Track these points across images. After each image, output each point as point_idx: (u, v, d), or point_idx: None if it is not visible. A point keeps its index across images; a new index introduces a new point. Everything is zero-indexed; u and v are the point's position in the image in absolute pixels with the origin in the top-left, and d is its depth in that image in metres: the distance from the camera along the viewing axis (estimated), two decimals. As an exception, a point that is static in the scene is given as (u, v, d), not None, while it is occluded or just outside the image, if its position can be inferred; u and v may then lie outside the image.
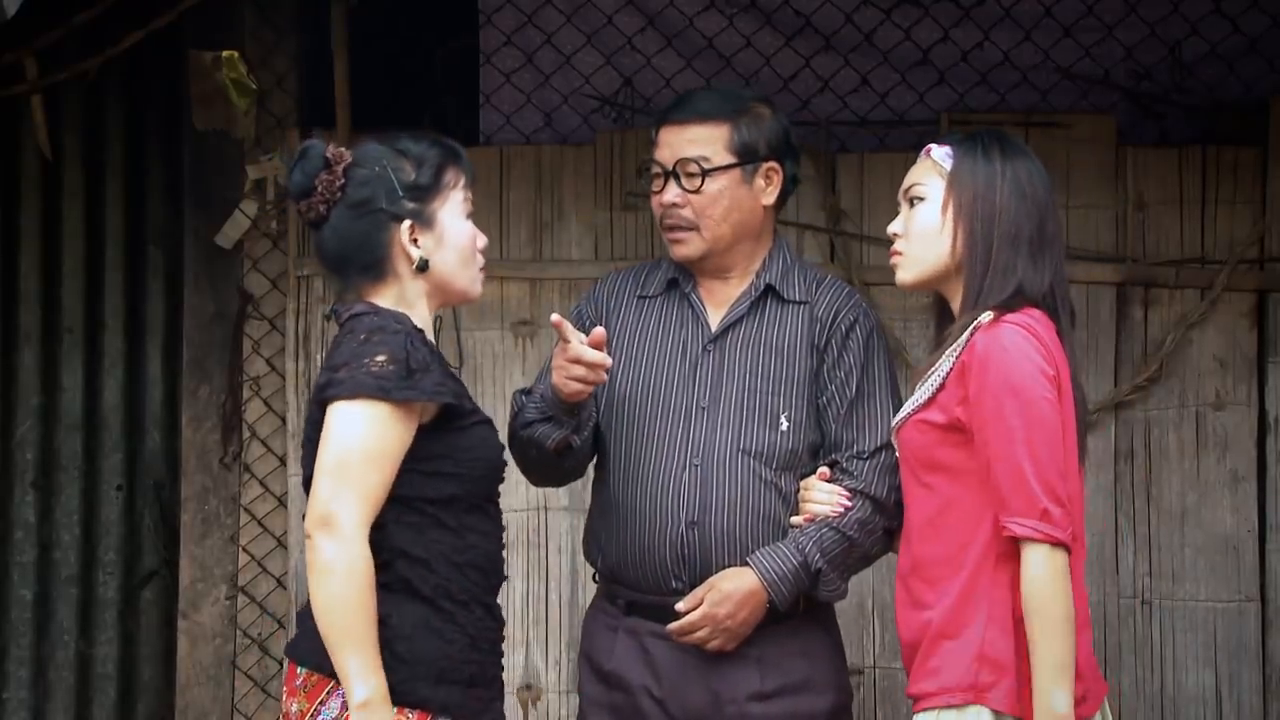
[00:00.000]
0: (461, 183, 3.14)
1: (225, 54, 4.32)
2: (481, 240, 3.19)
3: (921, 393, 3.12)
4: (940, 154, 3.17)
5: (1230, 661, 4.59)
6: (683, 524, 3.46)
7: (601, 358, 3.28)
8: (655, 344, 3.59)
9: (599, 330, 3.30)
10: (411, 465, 2.99)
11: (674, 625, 3.43)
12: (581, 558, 3.77)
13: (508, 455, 3.26)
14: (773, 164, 3.53)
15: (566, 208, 4.69)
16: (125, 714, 4.86)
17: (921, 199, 3.17)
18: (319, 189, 3.07)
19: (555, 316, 3.30)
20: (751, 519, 3.46)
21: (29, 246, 4.88)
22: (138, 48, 4.40)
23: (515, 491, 4.44)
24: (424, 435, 3.01)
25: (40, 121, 4.56)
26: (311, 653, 2.99)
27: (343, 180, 3.07)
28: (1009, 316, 3.05)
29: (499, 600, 3.15)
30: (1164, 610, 4.61)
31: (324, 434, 2.96)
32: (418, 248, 3.08)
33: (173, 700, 4.68)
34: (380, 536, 2.97)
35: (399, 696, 2.93)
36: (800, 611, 3.49)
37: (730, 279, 3.59)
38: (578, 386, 3.32)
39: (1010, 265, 3.08)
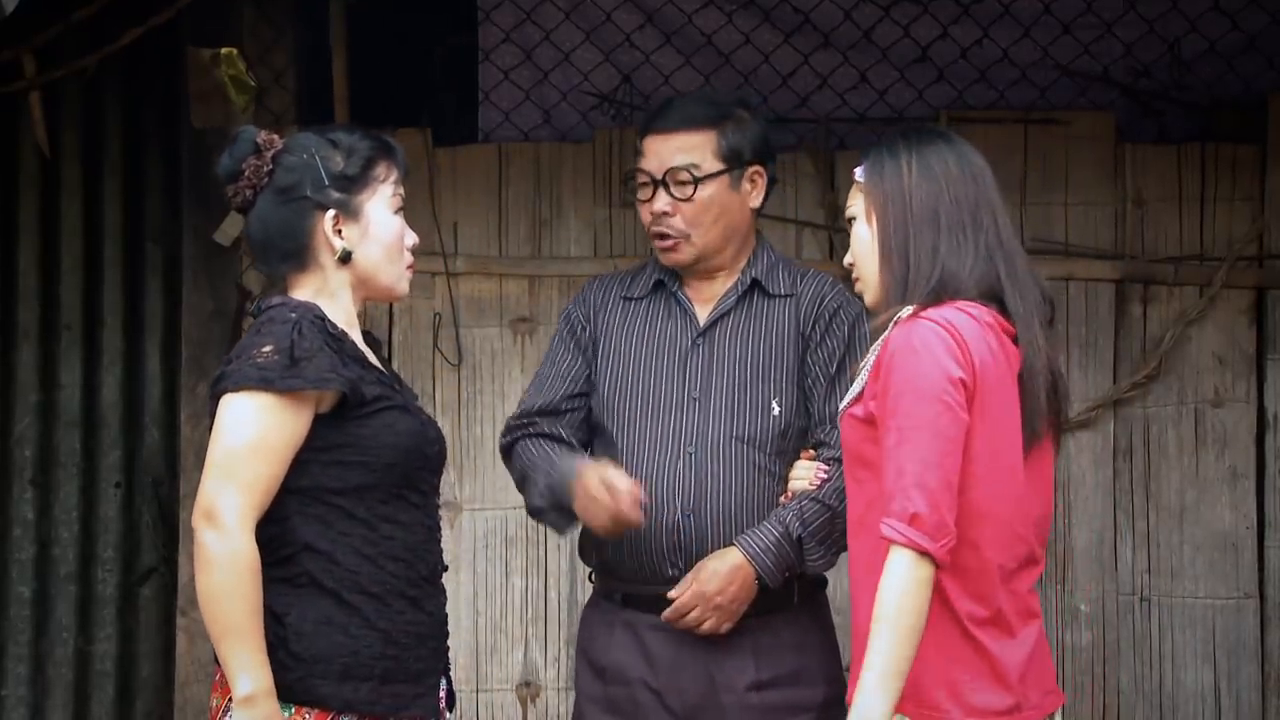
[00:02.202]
0: (393, 177, 3.11)
1: (224, 51, 4.30)
2: (410, 238, 3.15)
3: (854, 388, 3.05)
4: (859, 172, 3.11)
5: (1229, 658, 4.60)
6: (678, 512, 3.48)
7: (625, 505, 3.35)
8: (644, 341, 3.60)
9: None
10: (311, 455, 2.95)
11: (668, 611, 3.45)
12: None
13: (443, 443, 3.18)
14: (757, 168, 3.58)
15: (565, 205, 4.68)
16: (124, 711, 4.85)
17: (853, 219, 3.11)
18: (246, 173, 3.05)
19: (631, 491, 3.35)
20: (746, 505, 3.49)
21: (28, 243, 4.87)
22: (136, 45, 4.38)
23: (513, 488, 4.44)
24: (324, 424, 2.97)
25: (39, 118, 4.55)
26: None
27: (270, 166, 3.05)
28: (928, 312, 2.93)
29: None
30: (1163, 607, 4.61)
31: (214, 427, 2.94)
32: (341, 238, 3.05)
33: (171, 697, 4.68)
34: (284, 530, 2.94)
35: (296, 695, 2.90)
36: (795, 602, 3.52)
37: (716, 278, 3.62)
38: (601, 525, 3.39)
39: (933, 248, 2.98)
